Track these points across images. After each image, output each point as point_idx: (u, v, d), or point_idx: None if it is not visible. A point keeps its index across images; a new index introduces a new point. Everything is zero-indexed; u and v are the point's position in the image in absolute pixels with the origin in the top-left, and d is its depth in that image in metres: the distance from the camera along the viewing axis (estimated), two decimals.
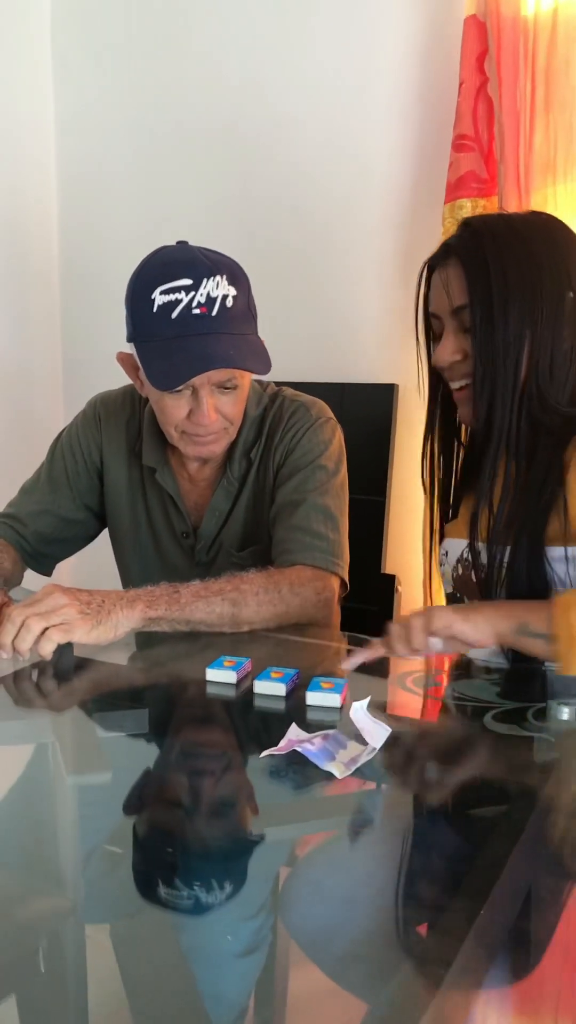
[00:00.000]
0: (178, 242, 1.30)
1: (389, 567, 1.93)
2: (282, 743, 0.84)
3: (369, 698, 0.87)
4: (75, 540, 1.54)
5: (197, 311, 1.20)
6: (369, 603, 1.88)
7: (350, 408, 1.93)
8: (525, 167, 1.71)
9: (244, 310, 1.27)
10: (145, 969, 0.61)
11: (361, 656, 1.04)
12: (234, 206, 2.19)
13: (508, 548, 1.12)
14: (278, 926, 0.65)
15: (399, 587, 1.89)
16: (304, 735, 0.85)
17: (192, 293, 1.20)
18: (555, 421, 1.12)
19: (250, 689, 1.00)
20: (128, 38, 2.31)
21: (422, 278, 1.20)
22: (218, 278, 1.22)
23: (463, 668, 1.12)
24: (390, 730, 0.85)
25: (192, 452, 1.34)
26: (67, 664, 1.12)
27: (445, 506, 1.30)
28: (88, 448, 1.49)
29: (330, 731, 0.85)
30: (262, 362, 1.26)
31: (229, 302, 1.22)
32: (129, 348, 1.31)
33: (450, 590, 1.28)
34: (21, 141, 2.37)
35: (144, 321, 1.24)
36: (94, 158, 2.42)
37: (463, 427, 1.28)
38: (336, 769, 0.79)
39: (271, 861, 0.73)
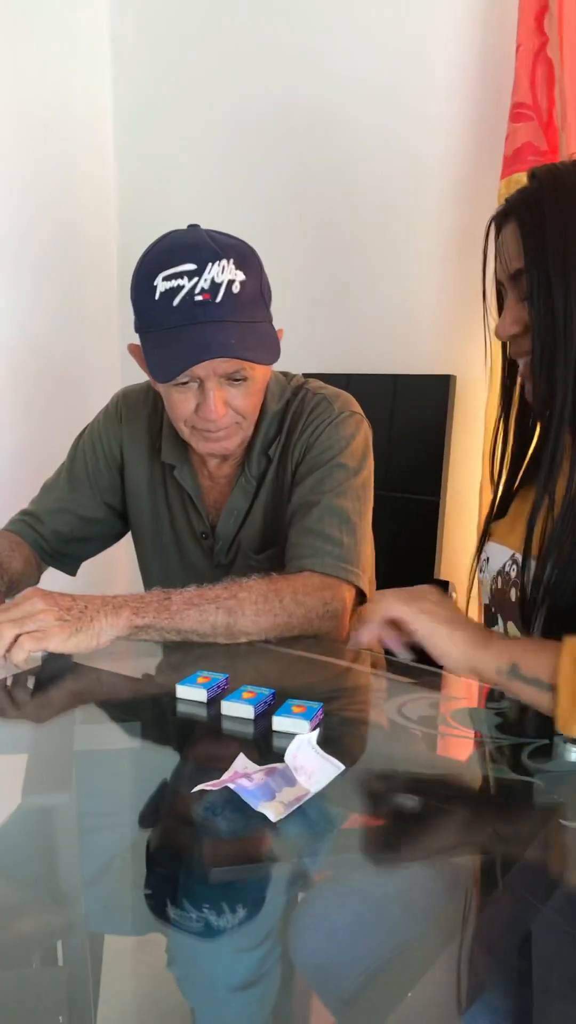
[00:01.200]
0: (189, 225, 1.23)
1: (444, 573, 1.80)
2: (226, 775, 0.75)
3: (316, 732, 0.77)
4: (97, 539, 1.49)
5: (200, 297, 1.13)
6: None
7: (403, 401, 1.82)
8: None
9: (254, 296, 1.18)
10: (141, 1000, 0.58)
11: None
12: (289, 190, 2.12)
13: (557, 563, 0.96)
14: (282, 959, 0.61)
15: (454, 594, 1.76)
16: (252, 767, 0.76)
17: (196, 279, 1.13)
18: None
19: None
20: (184, 25, 2.27)
21: (488, 238, 1.05)
22: (224, 262, 1.14)
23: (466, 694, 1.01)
24: (341, 768, 0.75)
25: (204, 448, 1.27)
26: (55, 669, 1.07)
27: (502, 501, 1.15)
28: (109, 445, 1.43)
29: (278, 765, 0.76)
30: (267, 352, 1.17)
31: (236, 287, 1.14)
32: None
33: (487, 601, 1.15)
34: (79, 132, 2.36)
35: (146, 310, 1.18)
36: (151, 146, 2.39)
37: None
38: (271, 811, 0.70)
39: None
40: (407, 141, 1.90)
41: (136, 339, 1.25)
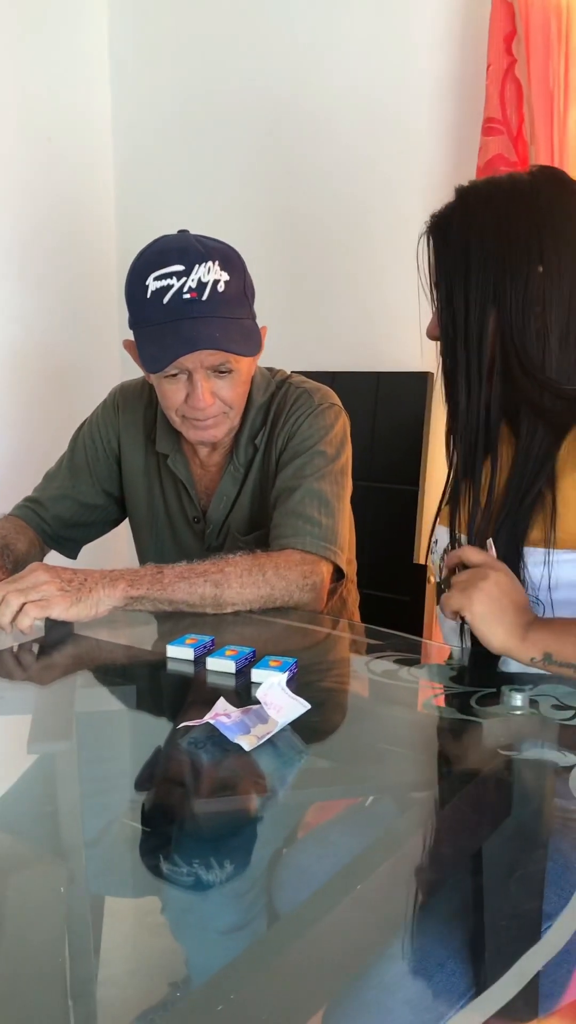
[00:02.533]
0: (179, 231, 1.34)
1: (421, 558, 1.91)
2: (208, 714, 0.86)
3: (287, 675, 0.89)
4: (96, 524, 1.59)
5: (187, 296, 1.24)
6: (400, 593, 1.87)
7: (384, 397, 1.93)
8: (559, 148, 1.66)
9: (238, 294, 1.29)
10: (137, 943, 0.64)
11: None
12: (278, 197, 2.22)
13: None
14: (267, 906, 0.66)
15: (431, 577, 1.87)
16: (229, 708, 0.87)
17: (184, 279, 1.24)
18: (556, 405, 1.04)
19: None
20: (180, 40, 2.37)
21: (419, 249, 1.15)
22: (209, 264, 1.25)
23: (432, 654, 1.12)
24: (307, 706, 0.86)
25: (194, 437, 1.38)
26: (57, 637, 1.17)
27: (451, 488, 1.23)
28: (107, 436, 1.54)
29: (254, 706, 0.87)
30: (250, 345, 1.28)
31: (221, 287, 1.26)
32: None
33: (437, 579, 1.26)
34: (80, 144, 2.46)
35: (139, 307, 1.29)
36: (147, 156, 2.49)
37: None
38: (245, 742, 0.81)
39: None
40: (388, 149, 2.00)
41: (131, 335, 1.36)
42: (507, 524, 1.06)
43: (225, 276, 1.26)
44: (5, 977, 0.56)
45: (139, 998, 0.58)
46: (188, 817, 0.77)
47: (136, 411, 1.53)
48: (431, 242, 1.08)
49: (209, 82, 2.32)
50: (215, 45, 2.30)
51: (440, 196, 1.95)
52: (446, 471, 1.89)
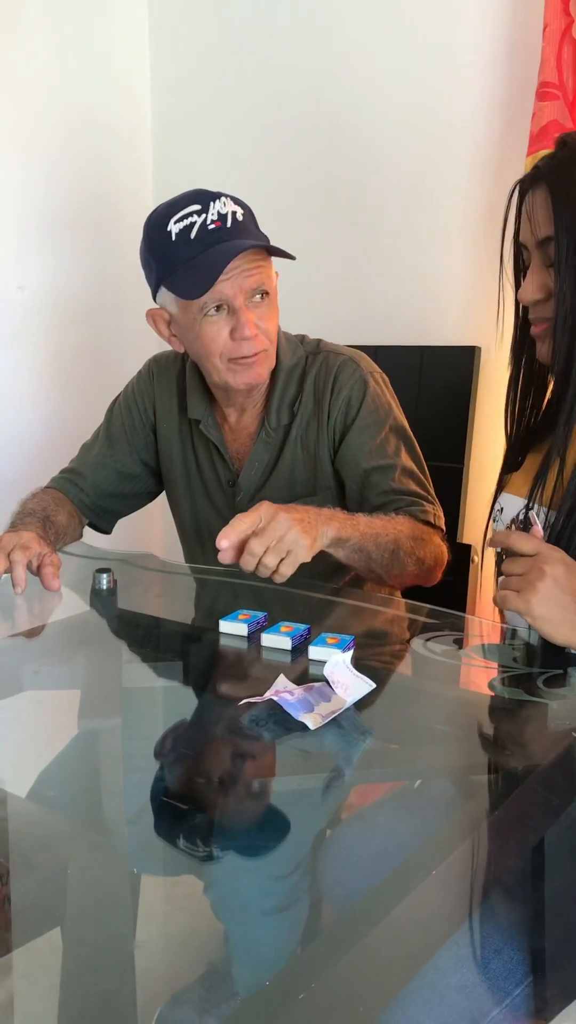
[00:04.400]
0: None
1: (466, 537, 1.87)
2: (269, 691, 0.84)
3: (351, 652, 0.85)
4: (133, 496, 1.58)
5: (212, 226, 1.25)
6: (444, 573, 1.83)
7: (429, 372, 1.89)
8: None
9: (254, 223, 1.32)
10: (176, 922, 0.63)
11: None
12: (320, 166, 2.17)
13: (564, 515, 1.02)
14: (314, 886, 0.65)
15: (475, 557, 1.83)
16: (290, 685, 0.84)
17: (204, 214, 1.26)
18: None
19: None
20: (221, 6, 2.31)
21: (511, 201, 1.07)
22: (223, 199, 1.28)
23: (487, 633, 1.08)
24: (373, 685, 0.83)
25: (240, 380, 1.34)
26: (102, 614, 1.15)
27: (514, 453, 1.19)
28: (143, 404, 1.53)
29: (316, 684, 0.84)
30: (284, 251, 1.28)
31: (239, 216, 1.28)
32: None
33: (499, 550, 1.21)
34: (118, 112, 2.43)
35: (166, 254, 1.28)
36: (186, 124, 2.45)
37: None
38: (310, 720, 0.78)
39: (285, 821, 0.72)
40: (435, 118, 1.95)
41: (152, 306, 1.36)
42: None
43: (240, 209, 1.29)
44: (45, 952, 0.55)
45: (179, 976, 0.58)
46: (234, 797, 0.75)
47: (170, 381, 1.52)
48: (549, 194, 0.99)
49: (250, 50, 2.27)
50: (257, 12, 2.24)
51: (490, 166, 1.93)
52: (493, 448, 1.87)
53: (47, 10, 2.18)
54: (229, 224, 1.25)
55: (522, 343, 1.14)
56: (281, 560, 1.08)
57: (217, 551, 1.47)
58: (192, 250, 1.25)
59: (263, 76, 2.26)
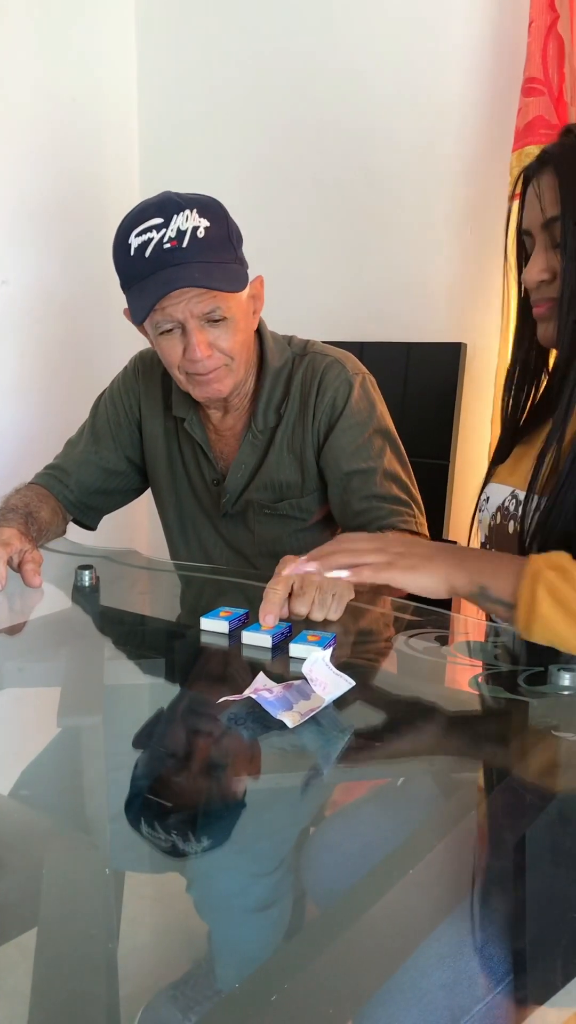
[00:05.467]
0: (162, 192, 1.31)
1: (452, 534, 1.87)
2: (248, 689, 0.83)
3: (331, 650, 0.85)
4: (117, 493, 1.57)
5: (168, 245, 1.22)
6: None
7: (415, 368, 1.89)
8: None
9: (220, 239, 1.27)
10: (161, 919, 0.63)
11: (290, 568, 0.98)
12: (306, 160, 2.17)
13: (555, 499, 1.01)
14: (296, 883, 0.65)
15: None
16: (270, 683, 0.84)
17: (163, 230, 1.23)
18: None
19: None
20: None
21: (513, 190, 1.10)
22: (188, 212, 1.24)
23: (471, 630, 1.08)
24: (352, 683, 0.82)
25: (199, 394, 1.34)
26: (85, 611, 1.14)
27: (505, 445, 1.20)
28: (128, 402, 1.52)
29: (295, 681, 0.84)
30: (232, 283, 1.26)
31: (200, 232, 1.23)
32: None
33: (483, 539, 1.21)
34: (105, 104, 2.41)
35: (124, 266, 1.27)
36: (173, 117, 2.44)
37: (550, 359, 1.16)
38: (289, 719, 0.78)
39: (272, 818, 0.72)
40: (421, 113, 1.95)
41: None
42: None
43: (205, 222, 1.24)
44: (27, 950, 0.54)
45: (162, 974, 0.57)
46: (216, 794, 0.75)
47: (155, 377, 1.51)
48: (556, 176, 1.00)
49: (237, 44, 2.27)
50: (245, 5, 2.24)
51: (476, 163, 1.92)
52: (478, 444, 1.88)
53: (32, 1, 2.16)
54: (186, 243, 1.22)
55: (522, 334, 1.15)
56: (332, 603, 1.06)
57: (203, 551, 1.48)
58: (144, 269, 1.23)
59: (251, 71, 2.25)
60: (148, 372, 1.52)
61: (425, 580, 0.91)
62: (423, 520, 1.36)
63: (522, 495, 1.07)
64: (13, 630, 1.13)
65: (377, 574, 0.91)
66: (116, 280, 1.31)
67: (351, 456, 1.36)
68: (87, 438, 1.53)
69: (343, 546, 0.96)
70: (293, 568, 0.94)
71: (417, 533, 1.33)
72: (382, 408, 1.42)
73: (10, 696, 0.96)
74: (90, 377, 1.86)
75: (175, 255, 1.22)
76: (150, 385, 1.51)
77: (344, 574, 0.91)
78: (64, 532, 1.50)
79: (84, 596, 1.22)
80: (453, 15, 1.87)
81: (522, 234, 1.09)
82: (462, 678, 0.95)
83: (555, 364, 1.12)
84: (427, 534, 1.36)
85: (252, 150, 2.27)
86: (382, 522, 1.31)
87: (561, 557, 0.88)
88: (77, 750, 0.84)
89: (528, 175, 1.06)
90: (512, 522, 1.09)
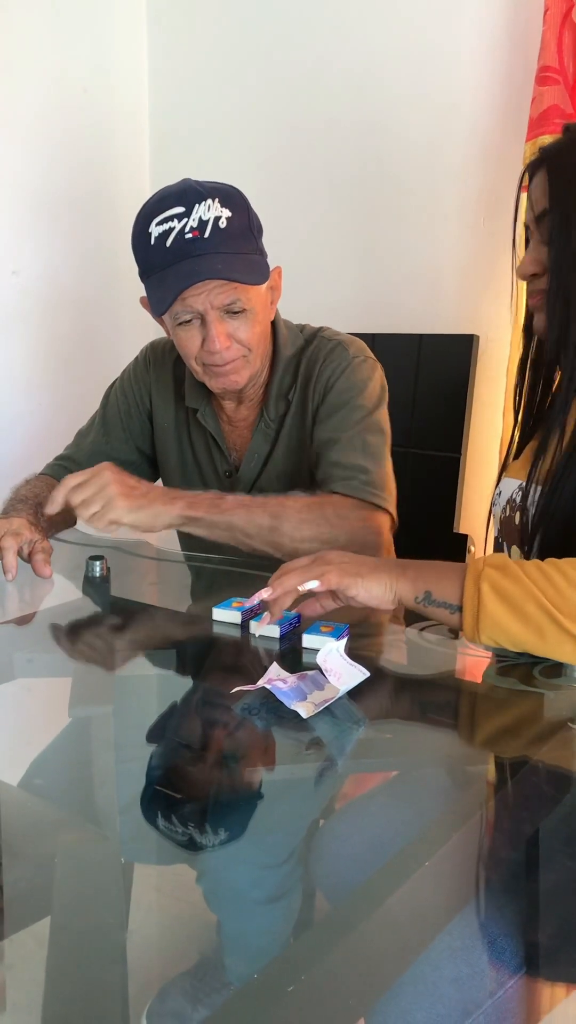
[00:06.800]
0: (182, 180, 1.30)
1: (463, 527, 1.86)
2: (261, 679, 0.83)
3: (345, 641, 0.84)
4: None
5: (190, 235, 1.21)
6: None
7: (427, 360, 1.87)
8: None
9: (242, 230, 1.26)
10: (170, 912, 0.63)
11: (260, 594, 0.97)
12: (319, 151, 2.16)
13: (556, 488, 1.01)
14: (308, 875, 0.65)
15: (472, 547, 1.82)
16: (283, 674, 0.83)
17: (185, 219, 1.21)
18: None
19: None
20: None
21: (520, 186, 1.11)
22: (209, 202, 1.22)
23: None
24: (367, 674, 0.82)
25: (216, 385, 1.34)
26: (95, 602, 1.14)
27: (522, 440, 1.19)
28: (139, 392, 1.51)
29: (309, 672, 0.83)
30: (254, 275, 1.25)
31: (223, 223, 1.22)
32: None
33: (496, 533, 1.20)
34: (116, 94, 2.41)
35: (144, 255, 1.26)
36: (184, 107, 2.43)
37: None
38: (303, 709, 0.77)
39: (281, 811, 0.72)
40: (434, 104, 1.93)
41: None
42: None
43: (227, 212, 1.23)
44: (38, 941, 0.54)
45: (172, 965, 0.58)
46: (227, 785, 0.74)
47: (166, 367, 1.50)
48: (548, 172, 1.02)
49: (249, 34, 2.25)
50: None
51: (489, 152, 1.91)
52: (491, 437, 1.86)
53: None
54: (207, 234, 1.21)
55: (530, 325, 1.15)
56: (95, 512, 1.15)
57: (214, 541, 1.46)
58: (166, 259, 1.22)
59: (262, 61, 2.24)
60: (159, 362, 1.51)
61: (375, 587, 0.91)
62: (384, 495, 1.29)
63: (525, 485, 1.06)
64: (23, 620, 1.13)
65: (341, 579, 0.91)
66: (127, 270, 1.30)
67: (331, 428, 1.33)
68: (97, 429, 1.53)
69: (288, 567, 0.96)
70: (255, 599, 0.95)
71: (364, 501, 1.27)
72: (376, 392, 1.37)
73: (21, 686, 0.96)
74: (101, 367, 1.86)
75: (197, 245, 1.21)
76: (161, 375, 1.50)
77: (315, 584, 0.92)
78: (75, 523, 1.49)
79: (95, 587, 1.21)
80: (466, 4, 1.85)
81: (526, 231, 1.10)
82: (476, 670, 0.94)
83: (547, 356, 1.12)
84: (384, 507, 1.29)
85: (263, 141, 2.26)
86: (331, 485, 1.28)
87: (502, 557, 0.88)
88: (87, 741, 0.83)
89: (530, 173, 1.07)
90: (518, 514, 1.09)
